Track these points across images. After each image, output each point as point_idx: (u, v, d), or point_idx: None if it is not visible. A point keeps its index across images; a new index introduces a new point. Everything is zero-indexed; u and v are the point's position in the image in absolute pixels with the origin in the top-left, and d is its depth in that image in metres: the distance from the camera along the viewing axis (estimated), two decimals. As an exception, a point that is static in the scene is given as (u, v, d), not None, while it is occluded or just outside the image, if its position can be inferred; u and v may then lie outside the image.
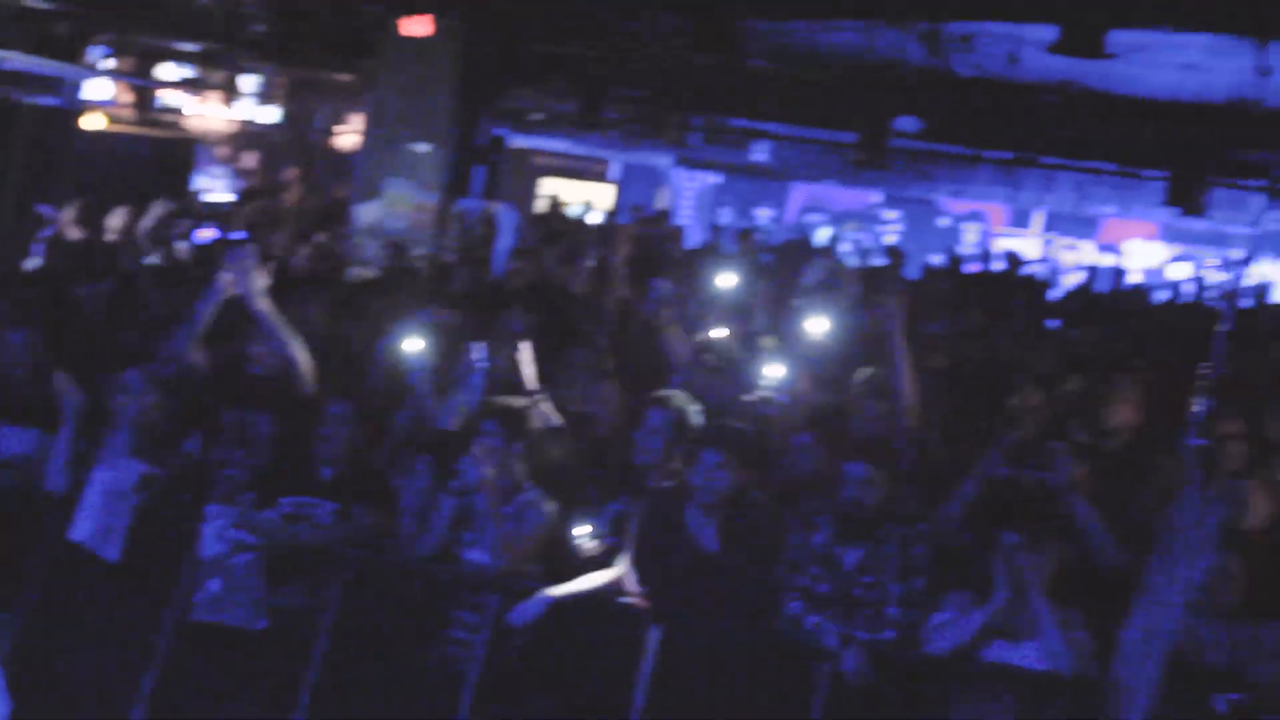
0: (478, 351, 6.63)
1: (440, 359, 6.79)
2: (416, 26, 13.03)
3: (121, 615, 5.88)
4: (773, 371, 7.00)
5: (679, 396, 6.26)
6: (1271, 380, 9.48)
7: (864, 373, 6.85)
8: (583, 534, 5.91)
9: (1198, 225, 19.45)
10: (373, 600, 5.86)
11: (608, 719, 5.56)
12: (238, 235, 12.92)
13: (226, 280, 6.50)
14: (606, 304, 9.21)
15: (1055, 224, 25.20)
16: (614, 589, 5.77)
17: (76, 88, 15.94)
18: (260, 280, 6.51)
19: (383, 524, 6.03)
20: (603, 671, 5.64)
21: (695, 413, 6.20)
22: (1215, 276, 22.18)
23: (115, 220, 11.90)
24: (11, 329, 6.36)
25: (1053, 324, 14.53)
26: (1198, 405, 4.56)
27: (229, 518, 5.76)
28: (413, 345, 6.64)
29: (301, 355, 6.53)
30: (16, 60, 13.64)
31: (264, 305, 6.52)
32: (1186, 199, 11.65)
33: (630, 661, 5.57)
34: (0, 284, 8.30)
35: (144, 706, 5.78)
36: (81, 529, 5.81)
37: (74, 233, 11.15)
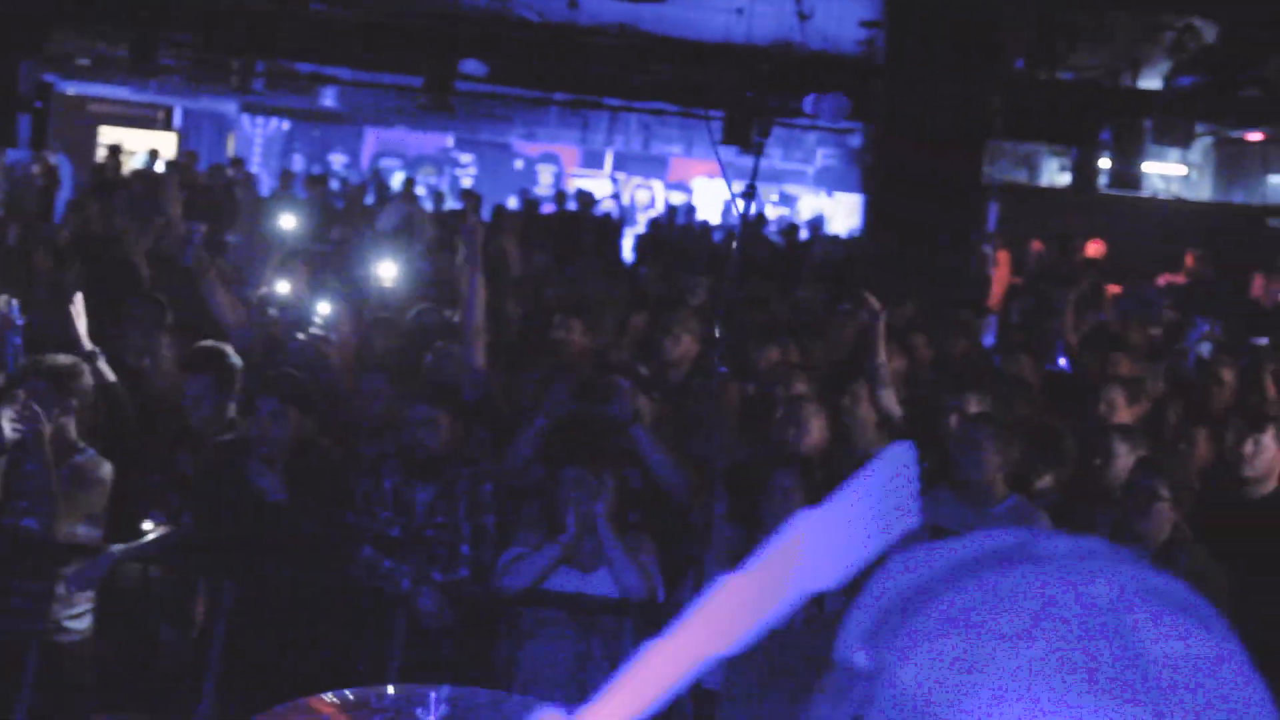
0: (12, 308, 6.28)
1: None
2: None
3: None
4: (323, 309, 6.97)
5: (218, 351, 6.15)
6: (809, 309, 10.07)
7: (424, 312, 6.87)
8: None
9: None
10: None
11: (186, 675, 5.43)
12: None
13: None
14: (165, 254, 8.89)
15: (625, 164, 25.86)
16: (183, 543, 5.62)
17: None
18: None
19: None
20: (173, 626, 5.50)
21: (236, 361, 6.11)
22: (774, 211, 23.30)
23: None
24: None
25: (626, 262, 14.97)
26: (720, 334, 4.74)
27: None
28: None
29: None
30: None
31: None
32: (741, 138, 12.14)
33: (208, 615, 5.44)
34: None
35: None
36: None
37: None
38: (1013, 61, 14.62)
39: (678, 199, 23.26)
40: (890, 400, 6.57)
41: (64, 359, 5.84)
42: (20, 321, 6.26)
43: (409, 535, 5.62)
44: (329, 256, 10.98)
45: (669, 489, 6.06)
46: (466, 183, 24.13)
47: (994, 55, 12.99)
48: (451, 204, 19.23)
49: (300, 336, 6.89)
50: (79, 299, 6.38)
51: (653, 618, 5.48)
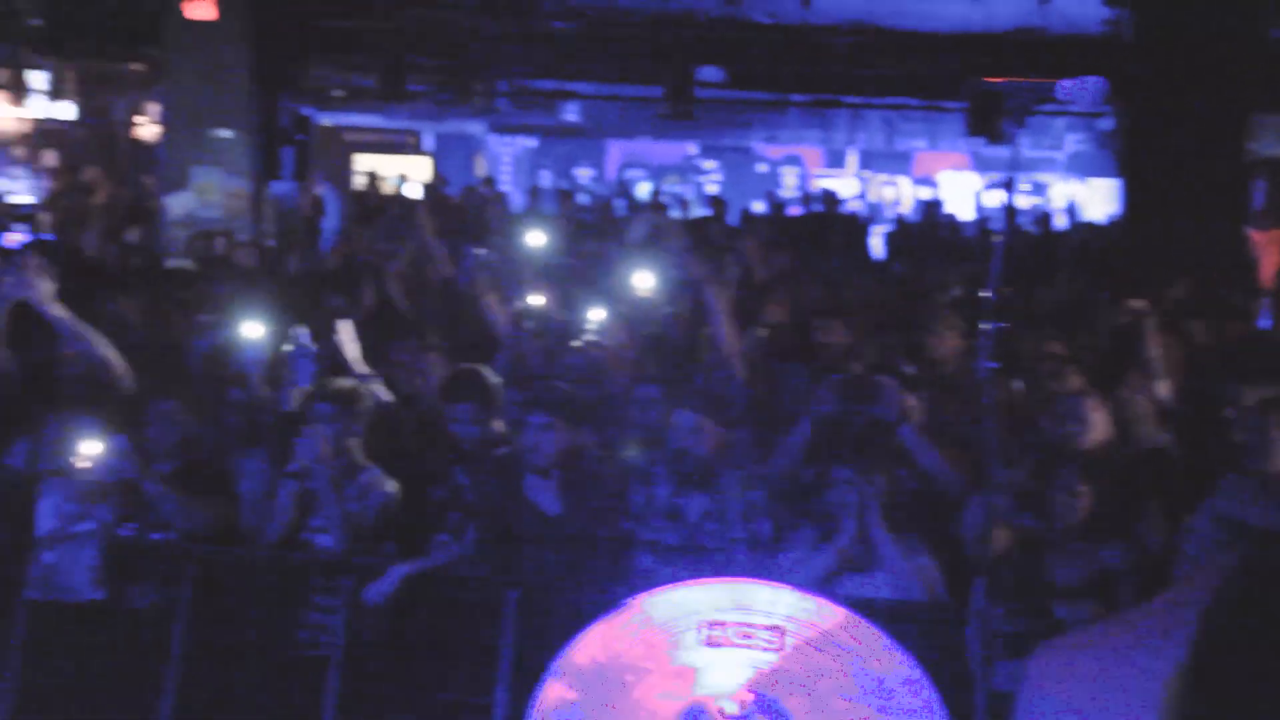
0: (303, 335, 6.54)
1: (271, 345, 6.68)
2: (200, 10, 12.74)
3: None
4: (595, 315, 7.09)
5: (474, 373, 6.27)
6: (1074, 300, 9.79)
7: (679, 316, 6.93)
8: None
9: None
10: (225, 593, 5.75)
11: (476, 688, 5.55)
12: (46, 237, 12.57)
13: (8, 285, 6.25)
14: (429, 278, 9.15)
15: (869, 161, 25.62)
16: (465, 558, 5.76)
17: None
18: (48, 284, 6.24)
19: (224, 515, 5.91)
20: (466, 641, 5.62)
21: (494, 379, 6.27)
22: (1026, 201, 22.79)
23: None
24: None
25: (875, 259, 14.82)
26: (987, 328, 4.63)
27: (66, 492, 5.61)
28: (252, 331, 6.51)
29: (110, 353, 6.32)
30: None
31: (56, 309, 6.26)
32: (989, 129, 11.89)
33: (492, 629, 5.56)
34: None
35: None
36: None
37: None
38: (1268, 30, 14.02)
39: (925, 194, 22.95)
40: (1166, 390, 6.37)
41: (348, 383, 6.07)
42: (313, 349, 6.50)
43: (685, 542, 5.65)
44: (582, 270, 11.14)
45: (942, 488, 5.98)
46: (711, 189, 24.23)
47: (1250, 24, 12.48)
48: (698, 211, 19.32)
49: (576, 345, 7.01)
50: (347, 325, 6.60)
51: (934, 620, 5.41)
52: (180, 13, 12.69)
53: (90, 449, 5.61)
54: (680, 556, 5.64)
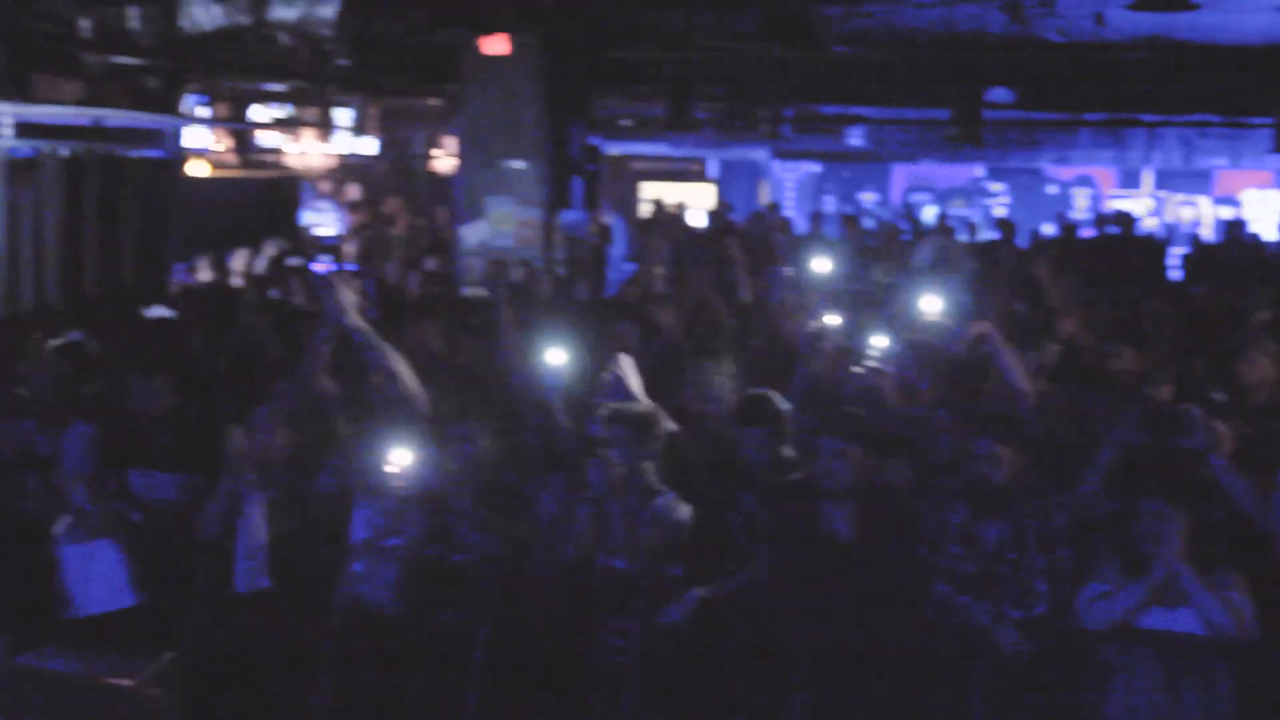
0: (616, 362, 6.68)
1: (569, 371, 6.82)
2: (495, 45, 13.12)
3: (284, 634, 5.96)
4: (879, 342, 7.04)
5: (766, 399, 6.26)
6: None
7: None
8: None
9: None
10: (523, 614, 5.88)
11: (770, 714, 5.55)
12: (350, 267, 13.14)
13: (331, 309, 6.57)
14: (726, 302, 9.24)
15: (1166, 181, 24.76)
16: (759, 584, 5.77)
17: (177, 137, 16.24)
18: (351, 297, 6.54)
19: (523, 538, 6.05)
20: (759, 666, 5.63)
21: (784, 404, 6.29)
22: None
23: (235, 263, 12.17)
24: (142, 376, 6.48)
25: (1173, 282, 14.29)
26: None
27: (377, 506, 5.82)
28: (553, 357, 6.67)
29: (405, 372, 6.55)
30: (117, 117, 13.93)
31: (358, 322, 6.54)
32: (1300, 144, 11.37)
33: (785, 655, 5.55)
34: (130, 332, 8.46)
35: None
36: (241, 579, 5.92)
37: (203, 277, 11.39)
38: None
39: (1226, 213, 22.05)
40: None
41: (642, 407, 6.16)
42: (622, 373, 6.62)
43: (981, 571, 5.54)
44: (870, 294, 11.08)
45: (1254, 521, 5.72)
46: (1000, 211, 23.79)
47: None
48: (986, 234, 18.98)
49: (858, 371, 7.00)
50: (627, 359, 6.69)
51: (1245, 656, 5.19)
52: (477, 49, 13.09)
53: (401, 460, 5.82)
54: (977, 585, 5.53)
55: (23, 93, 12.25)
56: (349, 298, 6.50)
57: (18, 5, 10.57)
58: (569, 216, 14.52)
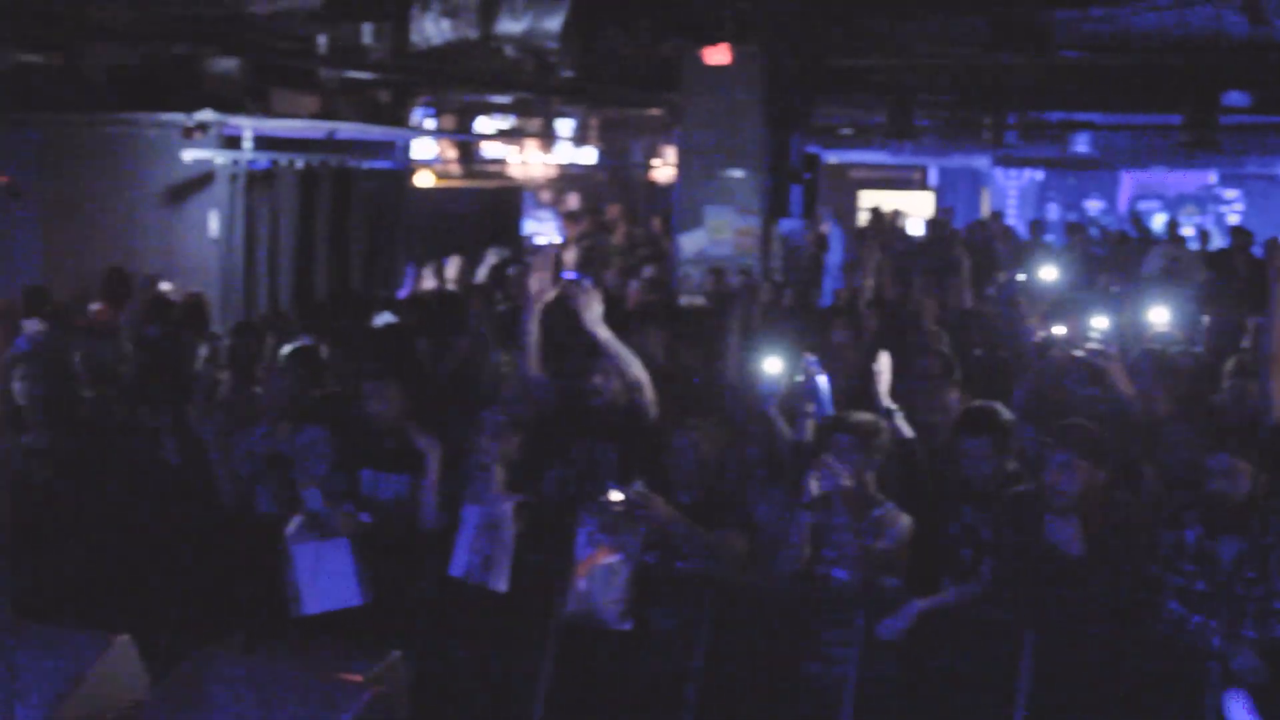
0: (813, 363, 6.63)
1: (787, 378, 6.81)
2: (717, 55, 13.20)
3: (507, 638, 6.06)
4: (1099, 324, 6.88)
5: (991, 410, 6.16)
6: None
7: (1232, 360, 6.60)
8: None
9: None
10: (741, 621, 5.89)
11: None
12: (570, 275, 13.32)
13: (535, 287, 6.67)
14: (946, 311, 9.12)
15: None
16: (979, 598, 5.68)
17: (405, 149, 16.69)
18: (598, 306, 6.64)
19: (743, 545, 6.05)
20: (979, 681, 5.54)
21: (1008, 416, 6.18)
22: None
23: (451, 270, 12.45)
24: (373, 382, 6.66)
25: None
26: None
27: (595, 524, 5.88)
28: (772, 367, 6.68)
29: (646, 382, 6.63)
30: (351, 130, 14.37)
31: (603, 331, 6.66)
32: None
33: (1008, 671, 5.45)
34: (363, 338, 8.70)
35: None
36: (460, 564, 6.04)
37: (428, 285, 11.68)
38: None
39: None
40: None
41: (866, 416, 6.11)
42: (825, 378, 6.59)
43: (1216, 590, 5.36)
44: (1096, 304, 10.81)
45: None
46: (1233, 219, 23.01)
47: None
48: (1218, 243, 18.37)
49: (1078, 354, 6.86)
50: (884, 358, 6.63)
51: None
52: (698, 59, 13.19)
53: (621, 482, 5.86)
54: (1210, 604, 5.35)
55: (262, 107, 12.74)
56: (596, 306, 6.59)
57: (261, 25, 10.99)
58: (787, 225, 14.50)
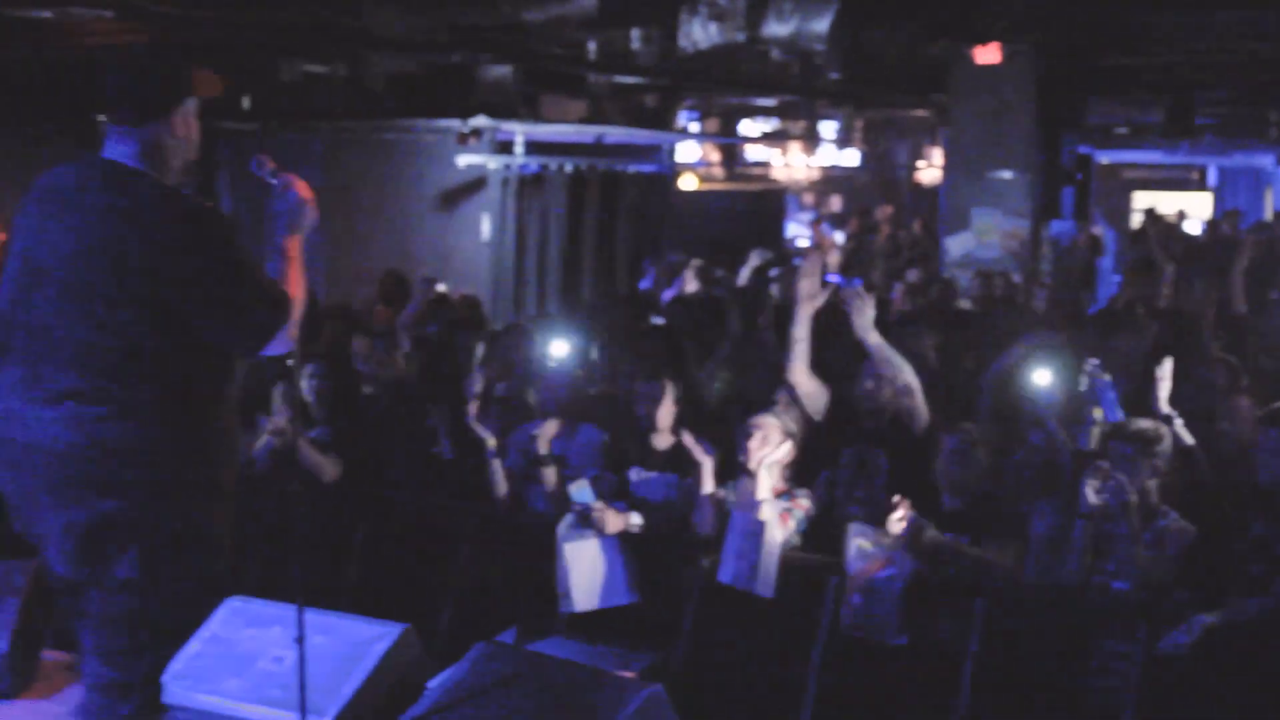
0: (1094, 366, 6.44)
1: (1064, 385, 6.64)
2: (988, 55, 12.97)
3: (774, 644, 6.06)
4: None
5: None
6: None
7: None
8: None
9: None
10: (1014, 630, 5.76)
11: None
12: (833, 277, 13.26)
13: (804, 292, 6.65)
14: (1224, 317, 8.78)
15: None
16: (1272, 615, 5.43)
17: (671, 152, 16.85)
18: (870, 312, 6.61)
19: (1013, 555, 5.92)
20: (1266, 700, 5.30)
21: None
22: None
23: (690, 281, 12.51)
24: (644, 382, 6.74)
25: None
26: None
27: (870, 536, 5.83)
28: (1041, 377, 6.52)
29: (916, 387, 6.56)
30: (618, 133, 14.58)
31: (874, 337, 6.61)
32: None
33: None
34: (627, 338, 8.81)
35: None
36: (727, 571, 6.05)
37: (692, 287, 11.76)
38: None
39: None
40: None
41: (1147, 424, 5.92)
42: (1109, 383, 6.40)
43: None
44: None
45: None
46: None
47: None
48: None
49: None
50: (1167, 364, 6.42)
51: None
52: (968, 59, 12.98)
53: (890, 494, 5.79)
54: None
55: (532, 113, 13.02)
56: (868, 310, 6.56)
57: (534, 32, 11.23)
58: (1057, 227, 14.17)
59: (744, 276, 13.05)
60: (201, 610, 4.41)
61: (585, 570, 6.33)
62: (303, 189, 4.22)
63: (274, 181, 4.20)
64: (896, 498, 5.74)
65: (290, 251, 4.17)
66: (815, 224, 19.28)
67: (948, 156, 14.08)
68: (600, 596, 6.31)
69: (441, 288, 11.04)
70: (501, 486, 6.92)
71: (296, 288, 4.14)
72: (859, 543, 5.81)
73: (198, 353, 3.97)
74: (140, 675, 4.16)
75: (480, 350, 8.73)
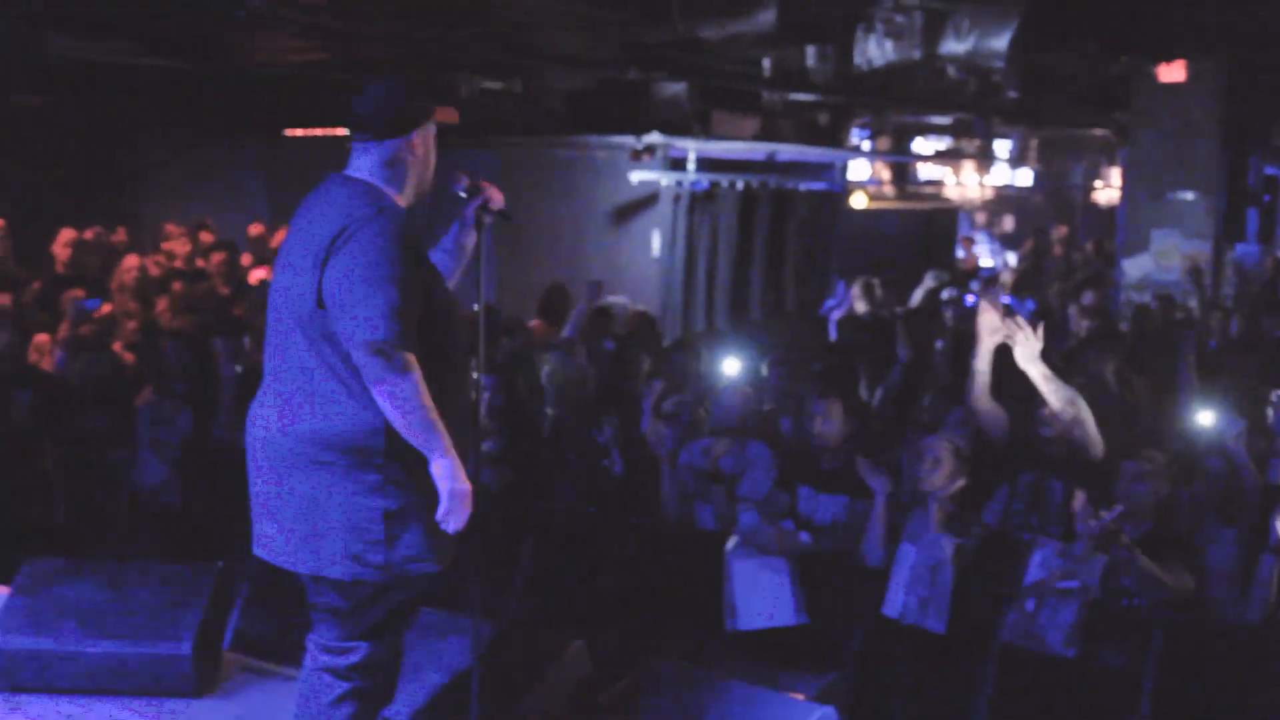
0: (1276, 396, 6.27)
1: (1246, 411, 6.45)
2: (1172, 73, 12.69)
3: (942, 671, 5.98)
4: None
5: None
6: None
7: None
8: None
9: None
10: (1193, 665, 5.61)
11: None
12: (1006, 299, 13.07)
13: (985, 327, 6.57)
14: None
15: None
16: None
17: (842, 170, 16.76)
18: (1034, 343, 6.48)
19: (1192, 586, 5.77)
20: None
21: None
22: None
23: (859, 300, 12.41)
24: (821, 401, 6.70)
25: None
26: None
27: (1053, 549, 5.73)
28: (1223, 405, 6.35)
29: (1089, 415, 6.41)
30: (790, 151, 14.54)
31: (1038, 370, 6.48)
32: None
33: None
34: (800, 359, 8.77)
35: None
36: (895, 604, 5.97)
37: (861, 307, 11.69)
38: None
39: None
40: None
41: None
42: None
43: None
44: None
45: None
46: None
47: None
48: None
49: None
50: None
51: None
52: (1151, 77, 12.72)
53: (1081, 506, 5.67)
54: None
55: (706, 129, 13.06)
56: (1031, 344, 6.44)
57: (710, 49, 11.27)
58: (1241, 250, 13.81)
59: (917, 297, 12.93)
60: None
61: (753, 589, 6.30)
62: (495, 194, 4.41)
63: (464, 194, 4.35)
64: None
65: (461, 247, 4.37)
66: (967, 242, 19.04)
67: (1127, 176, 13.80)
68: (768, 616, 6.27)
69: (617, 299, 11.10)
70: (671, 502, 6.93)
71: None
72: (1041, 554, 5.71)
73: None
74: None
75: (646, 365, 8.75)
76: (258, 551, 4.25)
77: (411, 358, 3.92)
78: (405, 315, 3.93)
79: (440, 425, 3.98)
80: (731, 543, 6.38)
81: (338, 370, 4.02)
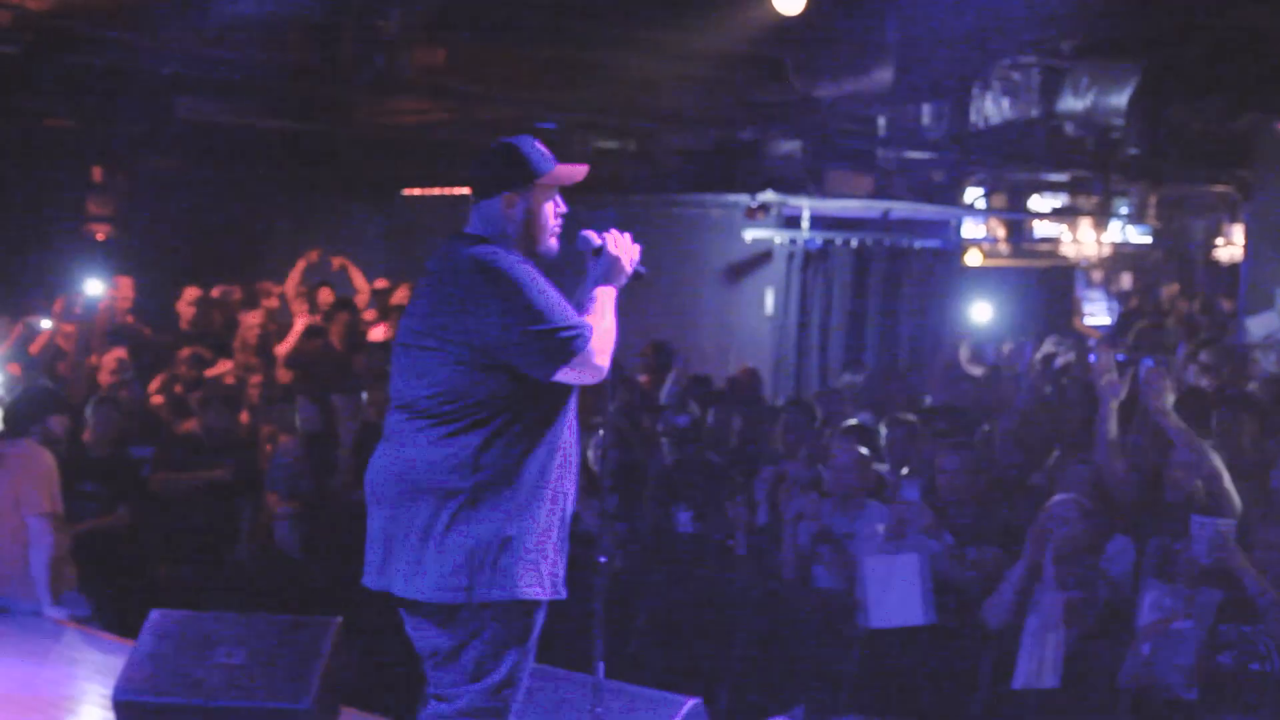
0: None
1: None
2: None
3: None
4: None
5: None
6: None
7: None
8: None
9: None
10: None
11: None
12: (1121, 358, 12.86)
13: (1104, 386, 6.53)
14: None
15: None
16: None
17: (957, 228, 16.62)
18: (1168, 395, 6.43)
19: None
20: None
21: None
22: None
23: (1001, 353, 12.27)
24: (946, 454, 6.72)
25: None
26: None
27: (1164, 591, 5.63)
28: None
29: (1223, 472, 6.29)
30: (905, 209, 14.46)
31: (1172, 420, 6.41)
32: None
33: None
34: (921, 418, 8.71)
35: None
36: (1021, 674, 5.86)
37: (974, 369, 11.59)
38: None
39: None
40: None
41: None
42: None
43: None
44: None
45: None
46: None
47: None
48: None
49: None
50: None
51: None
52: (1275, 133, 12.52)
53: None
54: None
55: (820, 188, 13.05)
56: (1166, 394, 6.39)
57: (825, 108, 11.28)
58: None
59: (1030, 359, 12.76)
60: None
61: (886, 587, 6.26)
62: (624, 245, 4.47)
63: (591, 248, 4.41)
64: None
65: (601, 299, 4.40)
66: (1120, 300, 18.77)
67: (1249, 232, 13.57)
68: (898, 613, 6.22)
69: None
70: (788, 561, 6.89)
71: (606, 322, 4.35)
72: (1151, 595, 5.62)
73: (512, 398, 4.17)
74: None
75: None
76: (364, 581, 4.31)
77: (589, 341, 4.20)
78: (564, 314, 4.16)
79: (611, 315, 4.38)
80: (869, 542, 6.49)
81: (435, 405, 4.14)
